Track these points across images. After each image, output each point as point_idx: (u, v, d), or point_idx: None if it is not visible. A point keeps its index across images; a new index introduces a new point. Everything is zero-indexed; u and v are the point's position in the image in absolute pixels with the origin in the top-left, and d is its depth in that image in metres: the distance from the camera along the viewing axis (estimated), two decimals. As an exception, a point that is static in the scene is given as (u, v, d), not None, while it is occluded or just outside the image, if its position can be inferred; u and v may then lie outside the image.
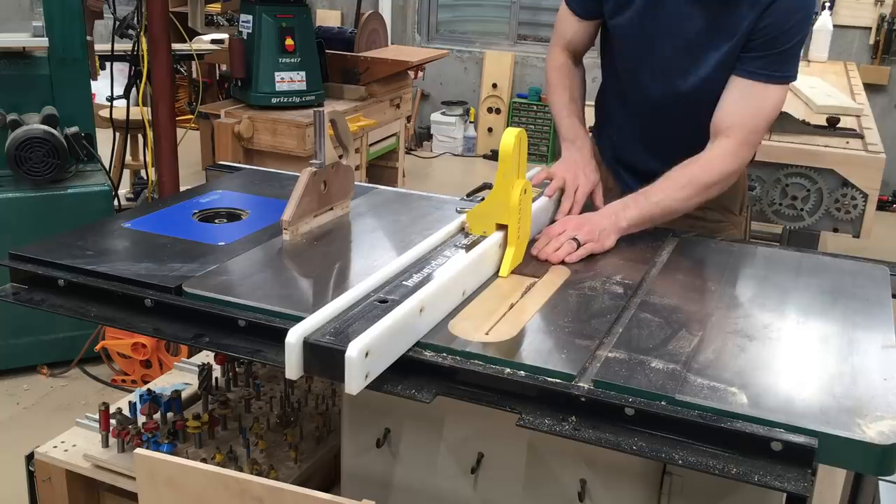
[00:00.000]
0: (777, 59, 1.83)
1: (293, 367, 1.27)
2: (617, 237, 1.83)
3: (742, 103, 1.86)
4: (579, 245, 1.75)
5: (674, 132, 2.02)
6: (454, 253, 1.65)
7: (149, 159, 3.86)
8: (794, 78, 1.90)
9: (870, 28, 6.28)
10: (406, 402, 1.32)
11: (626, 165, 2.19)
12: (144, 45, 3.48)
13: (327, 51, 4.71)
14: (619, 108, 2.15)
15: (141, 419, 1.89)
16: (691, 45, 1.90)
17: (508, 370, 1.29)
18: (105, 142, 4.08)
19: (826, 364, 1.37)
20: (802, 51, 1.95)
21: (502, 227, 1.67)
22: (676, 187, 1.86)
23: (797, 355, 1.41)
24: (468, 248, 1.65)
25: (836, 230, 3.32)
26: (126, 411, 1.91)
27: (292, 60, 4.25)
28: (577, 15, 2.10)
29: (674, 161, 1.91)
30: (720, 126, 1.88)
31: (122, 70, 4.92)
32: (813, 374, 1.34)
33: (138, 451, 1.37)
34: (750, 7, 1.80)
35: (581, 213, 1.95)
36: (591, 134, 2.25)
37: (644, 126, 2.10)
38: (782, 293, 1.65)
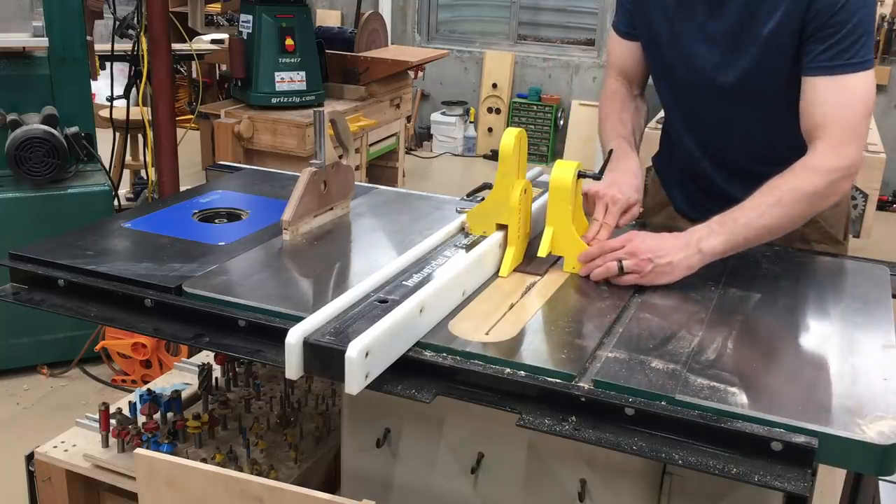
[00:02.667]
0: (842, 45, 1.65)
1: (293, 367, 1.27)
2: (684, 274, 1.60)
3: (824, 100, 1.67)
4: (621, 271, 1.58)
5: (733, 141, 1.90)
6: (454, 253, 1.65)
7: (149, 159, 3.86)
8: (871, 63, 1.68)
9: (870, 28, 6.27)
10: (406, 402, 1.32)
11: (698, 183, 2.04)
12: (144, 45, 3.48)
13: (327, 51, 4.71)
14: (678, 122, 2.01)
15: (141, 419, 1.89)
16: (724, 38, 1.78)
17: (508, 370, 1.29)
18: (105, 142, 4.08)
19: (826, 364, 1.37)
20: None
21: (502, 227, 1.67)
22: (770, 202, 1.61)
23: (797, 355, 1.41)
24: (468, 248, 1.65)
25: (836, 230, 3.31)
26: (126, 411, 1.91)
27: (292, 60, 4.25)
28: (623, 35, 2.01)
29: (749, 179, 1.72)
30: (809, 130, 1.69)
31: (122, 70, 4.92)
32: (813, 374, 1.34)
33: (138, 451, 1.37)
34: None
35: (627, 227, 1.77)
36: (656, 156, 2.16)
37: (702, 135, 1.96)
38: (782, 293, 1.65)
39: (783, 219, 1.63)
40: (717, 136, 1.95)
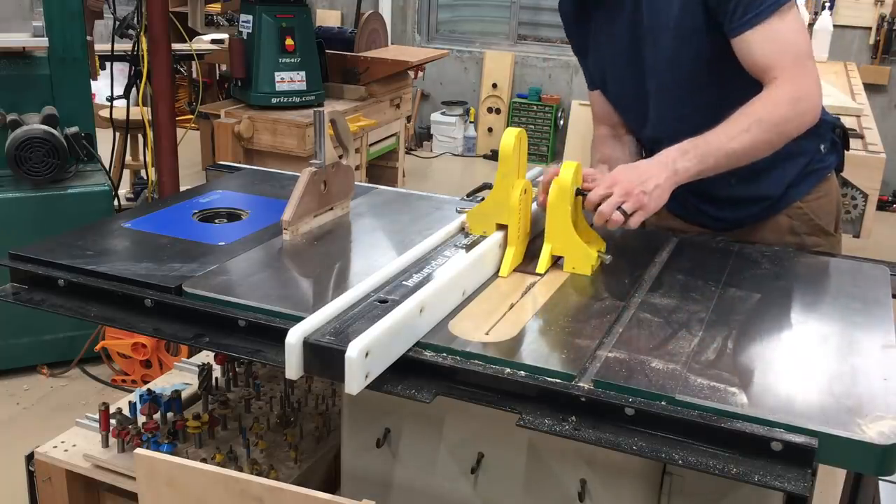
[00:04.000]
0: None
1: (293, 367, 1.27)
2: (670, 192, 1.66)
3: (762, 49, 1.71)
4: (626, 216, 1.62)
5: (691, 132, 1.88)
6: (454, 253, 1.65)
7: (149, 159, 3.86)
8: (784, 1, 1.70)
9: (870, 28, 6.28)
10: (406, 402, 1.32)
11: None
12: (144, 45, 3.48)
13: (327, 51, 4.71)
14: (647, 139, 2.06)
15: (141, 419, 1.89)
16: (648, 41, 1.85)
17: (508, 370, 1.29)
18: (105, 142, 4.08)
19: (826, 364, 1.37)
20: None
21: (502, 227, 1.67)
22: (741, 129, 1.67)
23: (797, 355, 1.41)
24: (468, 248, 1.65)
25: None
26: (126, 411, 1.91)
27: (292, 60, 4.25)
28: (593, 89, 2.10)
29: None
30: (761, 74, 1.72)
31: (122, 70, 4.92)
32: (813, 374, 1.34)
33: (138, 451, 1.37)
34: None
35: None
36: None
37: (665, 140, 1.92)
38: (782, 293, 1.65)
39: (751, 146, 1.68)
40: (677, 133, 1.96)
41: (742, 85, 1.77)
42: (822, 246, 1.97)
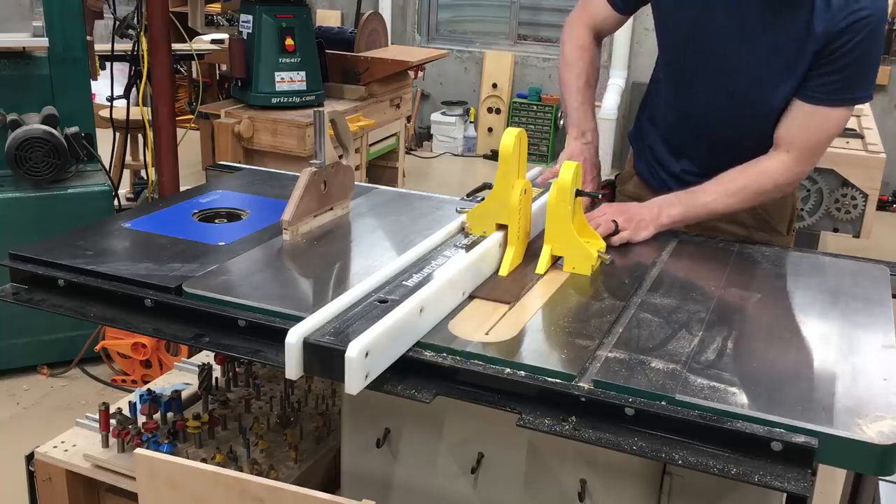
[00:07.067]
0: (846, 82, 1.75)
1: (293, 367, 1.27)
2: (655, 231, 1.84)
3: (806, 123, 1.80)
4: (617, 228, 1.78)
5: (726, 141, 1.95)
6: (454, 253, 1.65)
7: (149, 159, 3.86)
8: (865, 98, 1.81)
9: (870, 28, 6.26)
10: (406, 402, 1.32)
11: (662, 163, 2.11)
12: (144, 45, 3.48)
13: (327, 51, 4.71)
14: (670, 104, 2.04)
15: (141, 419, 1.89)
16: (752, 48, 1.80)
17: (508, 370, 1.29)
18: (105, 142, 4.08)
19: (826, 364, 1.37)
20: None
21: (502, 227, 1.67)
22: (727, 193, 1.86)
23: (797, 355, 1.41)
24: (468, 248, 1.65)
25: (836, 230, 3.33)
26: (126, 411, 1.91)
27: (292, 60, 4.25)
28: (616, 9, 2.04)
29: (712, 166, 1.90)
30: (781, 140, 1.84)
31: (122, 70, 4.91)
32: (813, 374, 1.34)
33: (138, 451, 1.37)
34: (823, 25, 1.70)
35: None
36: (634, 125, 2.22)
37: (696, 128, 2.00)
38: (782, 293, 1.65)
39: (730, 208, 1.89)
40: (699, 132, 2.00)
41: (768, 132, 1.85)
42: (771, 243, 2.00)
